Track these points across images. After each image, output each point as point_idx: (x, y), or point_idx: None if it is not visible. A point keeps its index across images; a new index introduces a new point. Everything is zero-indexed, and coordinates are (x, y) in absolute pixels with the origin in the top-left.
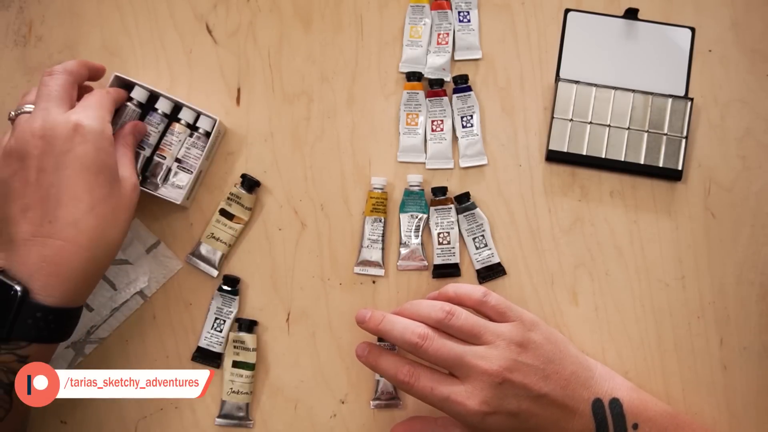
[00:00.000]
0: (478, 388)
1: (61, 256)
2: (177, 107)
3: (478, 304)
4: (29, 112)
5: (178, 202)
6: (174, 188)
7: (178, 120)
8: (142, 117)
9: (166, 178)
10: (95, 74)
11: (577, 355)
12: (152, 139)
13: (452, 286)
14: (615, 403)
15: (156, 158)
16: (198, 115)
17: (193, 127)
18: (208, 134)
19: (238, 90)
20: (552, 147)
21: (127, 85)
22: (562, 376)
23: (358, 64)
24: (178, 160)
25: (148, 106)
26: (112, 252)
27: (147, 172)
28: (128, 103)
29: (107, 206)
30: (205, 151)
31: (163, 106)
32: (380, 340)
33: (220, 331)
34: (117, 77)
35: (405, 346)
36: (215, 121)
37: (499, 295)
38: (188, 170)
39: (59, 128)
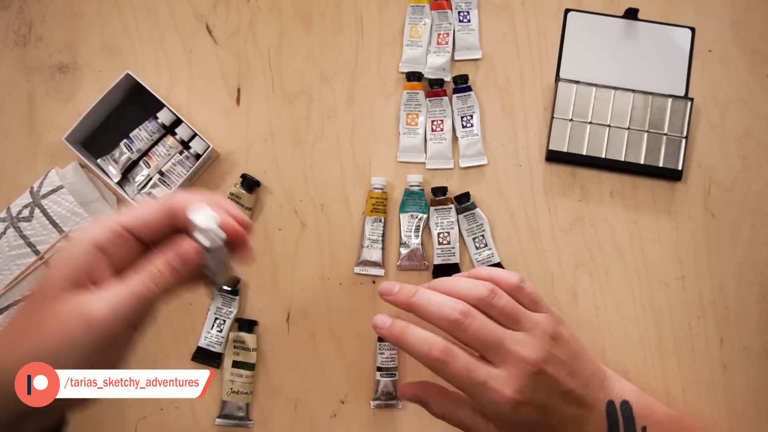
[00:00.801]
0: (515, 376)
1: None
2: (176, 121)
3: (514, 290)
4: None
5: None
6: (150, 199)
7: (174, 134)
8: (142, 119)
9: (144, 187)
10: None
11: (592, 356)
12: (143, 145)
13: (485, 269)
14: (625, 405)
15: (141, 164)
16: (194, 135)
17: (185, 145)
18: (198, 156)
19: (238, 90)
20: (552, 147)
21: (137, 87)
22: (583, 374)
23: (358, 64)
24: (161, 172)
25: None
26: None
27: (129, 174)
28: (121, 145)
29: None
30: (190, 172)
31: (163, 116)
32: (381, 340)
33: (221, 331)
34: (128, 75)
35: (442, 322)
36: (208, 146)
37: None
38: (168, 185)
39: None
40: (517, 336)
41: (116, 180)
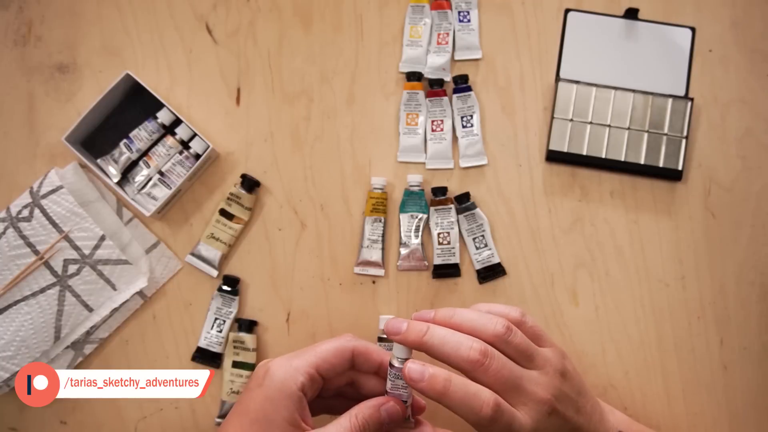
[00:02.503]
0: (533, 419)
1: None
2: (176, 121)
3: (517, 325)
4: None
5: (148, 215)
6: (149, 199)
7: (174, 134)
8: (142, 120)
9: (143, 187)
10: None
11: (590, 389)
12: (143, 145)
13: (484, 305)
14: None
15: (141, 164)
16: (194, 135)
17: (185, 145)
18: (198, 156)
19: (238, 90)
20: (552, 147)
21: (137, 87)
22: (586, 410)
23: (358, 64)
24: (161, 172)
25: (152, 109)
26: None
27: (128, 174)
28: (121, 145)
29: None
30: (190, 172)
31: (163, 116)
32: (381, 339)
33: (220, 331)
34: (128, 75)
35: (461, 363)
36: (208, 146)
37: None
38: (168, 186)
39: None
40: (533, 375)
41: (116, 180)
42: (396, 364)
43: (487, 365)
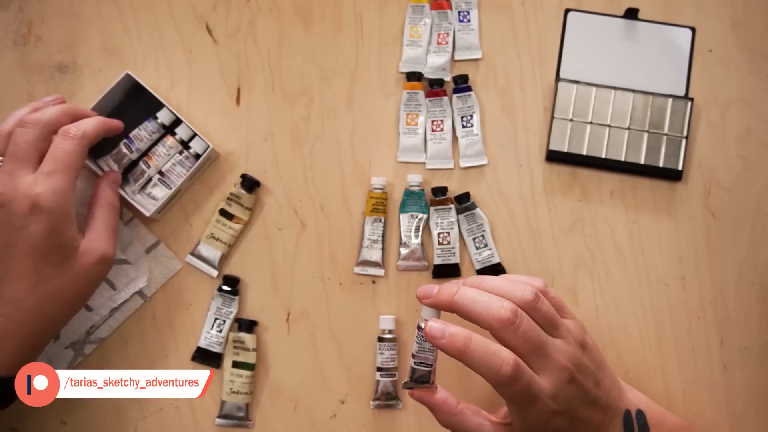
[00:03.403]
0: (554, 385)
1: None
2: (176, 121)
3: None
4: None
5: (148, 214)
6: (149, 199)
7: (174, 134)
8: (141, 120)
9: (144, 187)
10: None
11: (609, 364)
12: (143, 145)
13: (508, 276)
14: (640, 414)
15: (141, 165)
16: (194, 135)
17: (185, 145)
18: (198, 156)
19: (238, 90)
20: (552, 147)
21: (137, 87)
22: (605, 383)
23: (358, 64)
24: (161, 172)
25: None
26: (54, 328)
27: (129, 175)
28: (121, 145)
29: (52, 285)
30: (190, 172)
31: (163, 116)
32: (381, 339)
33: (220, 331)
34: (128, 75)
35: (492, 322)
36: (208, 146)
37: None
38: (168, 185)
39: (18, 202)
40: (557, 343)
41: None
42: (422, 325)
43: (517, 325)
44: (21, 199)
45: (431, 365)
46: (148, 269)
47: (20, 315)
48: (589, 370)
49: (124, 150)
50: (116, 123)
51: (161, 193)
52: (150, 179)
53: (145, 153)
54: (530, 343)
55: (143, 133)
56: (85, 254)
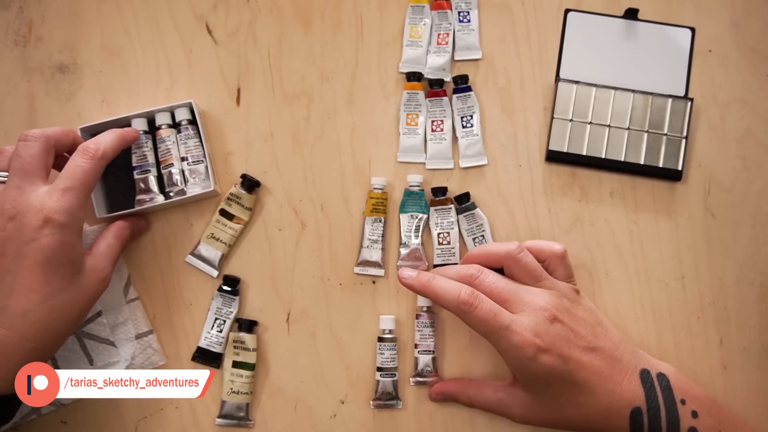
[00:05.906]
0: (533, 321)
1: (3, 345)
2: (150, 121)
3: (556, 257)
4: (3, 182)
5: (211, 189)
6: (200, 182)
7: (159, 127)
8: (128, 148)
9: (185, 180)
10: (75, 145)
11: (618, 331)
12: (150, 158)
13: (531, 241)
14: (662, 377)
15: (164, 170)
16: (172, 112)
17: (176, 124)
18: (191, 122)
19: (238, 90)
20: (552, 147)
21: (100, 128)
22: (610, 338)
23: (358, 64)
24: (183, 158)
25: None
26: (57, 343)
27: (167, 188)
28: (136, 178)
29: (61, 299)
30: (202, 136)
31: (138, 125)
32: (381, 340)
33: (221, 331)
34: (82, 130)
35: (460, 278)
36: (190, 104)
37: None
38: (198, 160)
39: (30, 216)
40: (533, 289)
41: (163, 199)
42: (421, 312)
43: (482, 278)
44: (34, 212)
45: (433, 351)
46: (131, 356)
47: (28, 327)
48: (578, 318)
49: (142, 176)
50: (131, 132)
51: (201, 168)
52: (182, 171)
53: (158, 160)
54: (499, 290)
55: (140, 150)
56: (92, 271)
